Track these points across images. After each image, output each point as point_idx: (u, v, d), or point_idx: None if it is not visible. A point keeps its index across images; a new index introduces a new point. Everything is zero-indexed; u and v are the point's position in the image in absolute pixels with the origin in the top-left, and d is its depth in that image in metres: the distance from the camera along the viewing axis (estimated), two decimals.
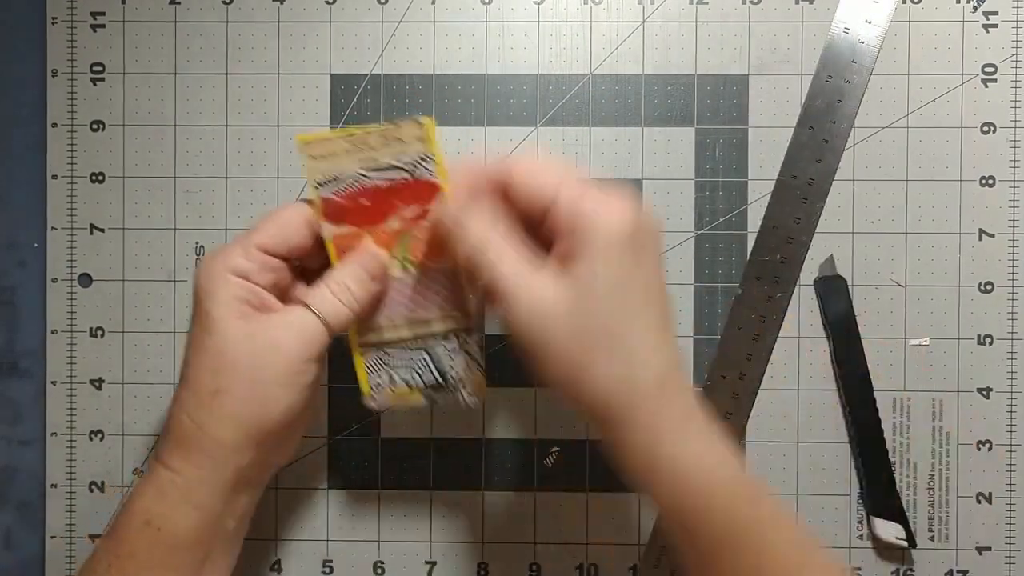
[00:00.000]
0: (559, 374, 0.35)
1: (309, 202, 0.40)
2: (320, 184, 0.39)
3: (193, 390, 0.37)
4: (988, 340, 0.49)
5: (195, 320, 0.38)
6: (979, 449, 0.49)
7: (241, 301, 0.37)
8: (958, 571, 0.49)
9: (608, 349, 0.34)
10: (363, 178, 0.39)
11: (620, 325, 0.34)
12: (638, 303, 0.34)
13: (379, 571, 0.50)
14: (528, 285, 0.35)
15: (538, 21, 0.49)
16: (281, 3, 0.49)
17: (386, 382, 0.42)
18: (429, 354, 0.41)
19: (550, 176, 0.36)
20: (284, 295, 0.40)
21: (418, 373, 0.41)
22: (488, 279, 0.35)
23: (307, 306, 0.38)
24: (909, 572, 0.49)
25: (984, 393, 0.49)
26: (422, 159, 0.39)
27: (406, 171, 0.39)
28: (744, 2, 0.49)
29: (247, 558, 0.49)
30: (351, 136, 0.39)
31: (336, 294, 0.38)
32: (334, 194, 0.40)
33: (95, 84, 0.50)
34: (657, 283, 0.35)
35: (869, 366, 0.48)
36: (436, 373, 0.41)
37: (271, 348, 0.37)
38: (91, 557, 0.39)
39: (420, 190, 0.40)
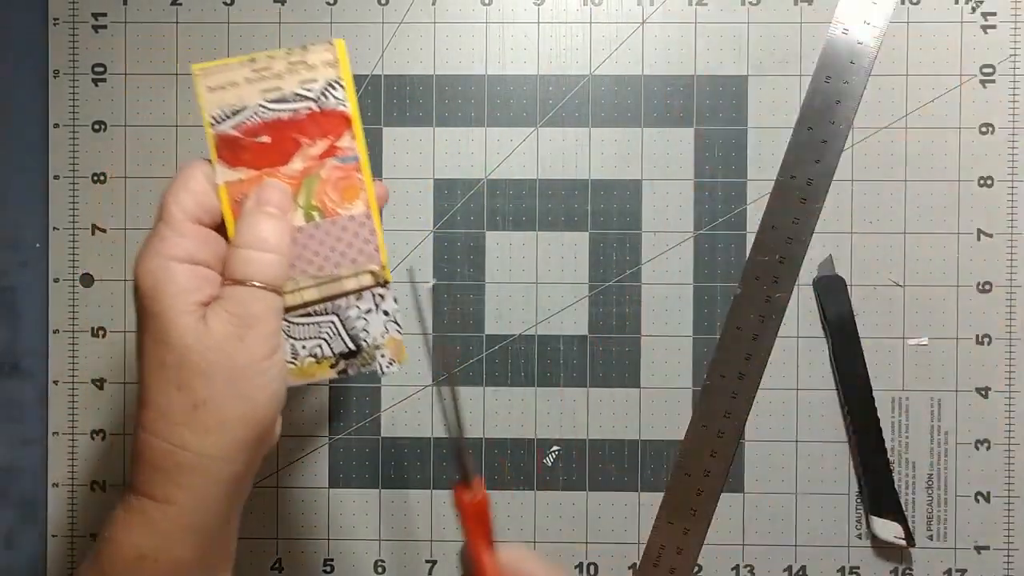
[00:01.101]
0: None
1: (205, 160, 0.36)
2: (216, 121, 0.35)
3: (161, 411, 0.33)
4: (987, 340, 0.49)
5: (144, 330, 0.33)
6: (978, 448, 0.49)
7: (190, 293, 0.33)
8: (956, 570, 0.49)
9: None
10: (264, 110, 0.35)
11: None
12: None
13: (379, 571, 0.50)
14: None
15: (538, 22, 0.49)
16: (282, 4, 0.50)
17: (288, 356, 0.36)
18: (339, 317, 0.36)
19: None
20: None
21: (326, 342, 0.36)
22: None
23: (241, 282, 0.34)
24: (908, 571, 0.49)
25: (983, 393, 0.49)
26: (331, 85, 0.35)
27: (313, 100, 0.35)
28: (743, 3, 0.49)
29: (247, 557, 0.49)
30: (253, 62, 0.35)
31: (258, 247, 0.34)
32: (232, 128, 0.35)
33: (97, 85, 0.50)
34: None
35: (868, 366, 0.48)
36: (347, 339, 0.36)
37: (234, 343, 0.33)
38: None
39: (328, 122, 0.35)
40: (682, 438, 0.49)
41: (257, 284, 0.34)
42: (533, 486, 0.50)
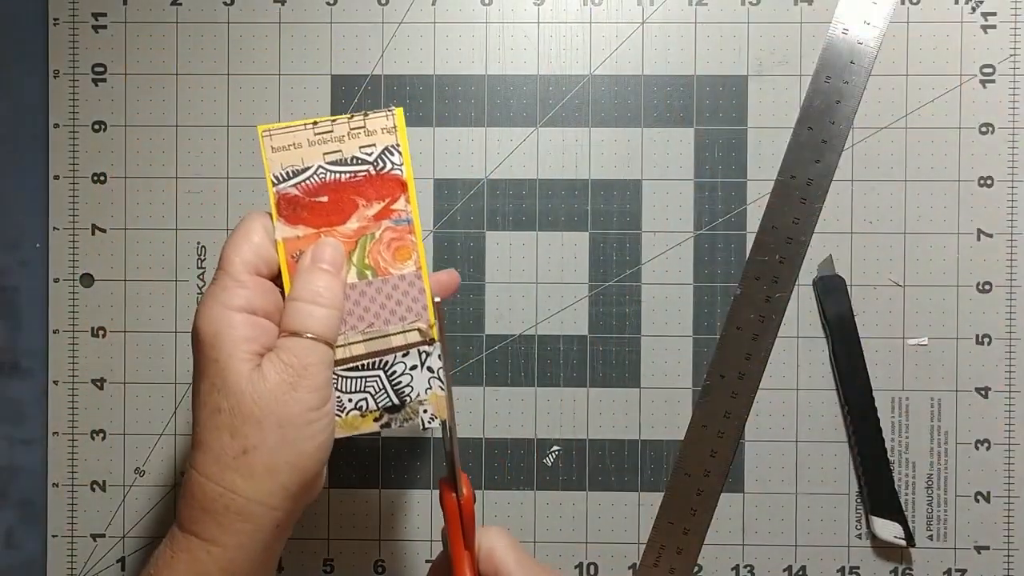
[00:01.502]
0: None
1: (265, 212, 0.37)
2: (278, 180, 0.37)
3: (214, 454, 0.34)
4: (986, 340, 0.49)
5: (202, 375, 0.35)
6: (977, 448, 0.49)
7: (248, 342, 0.34)
8: (956, 570, 0.49)
9: None
10: (325, 172, 0.37)
11: None
12: None
13: (379, 570, 0.50)
14: None
15: (538, 22, 0.49)
16: (282, 4, 0.50)
17: (334, 409, 0.37)
18: (385, 372, 0.37)
19: None
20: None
21: (371, 396, 0.37)
22: None
23: (296, 334, 0.35)
24: (908, 571, 0.49)
25: (982, 392, 0.49)
26: (388, 150, 0.37)
27: (371, 163, 0.37)
28: (743, 3, 0.49)
29: None
30: (316, 125, 0.36)
31: (313, 300, 0.36)
32: (293, 187, 0.36)
33: (97, 85, 0.50)
34: None
35: (868, 366, 0.48)
36: (392, 394, 0.37)
37: (287, 391, 0.34)
38: None
39: (384, 185, 0.37)
40: (682, 438, 0.49)
41: (311, 336, 0.35)
42: (533, 486, 0.50)
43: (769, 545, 0.49)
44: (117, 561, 0.50)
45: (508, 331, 0.49)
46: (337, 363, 0.37)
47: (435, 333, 0.37)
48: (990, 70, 0.49)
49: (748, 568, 0.49)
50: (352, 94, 0.49)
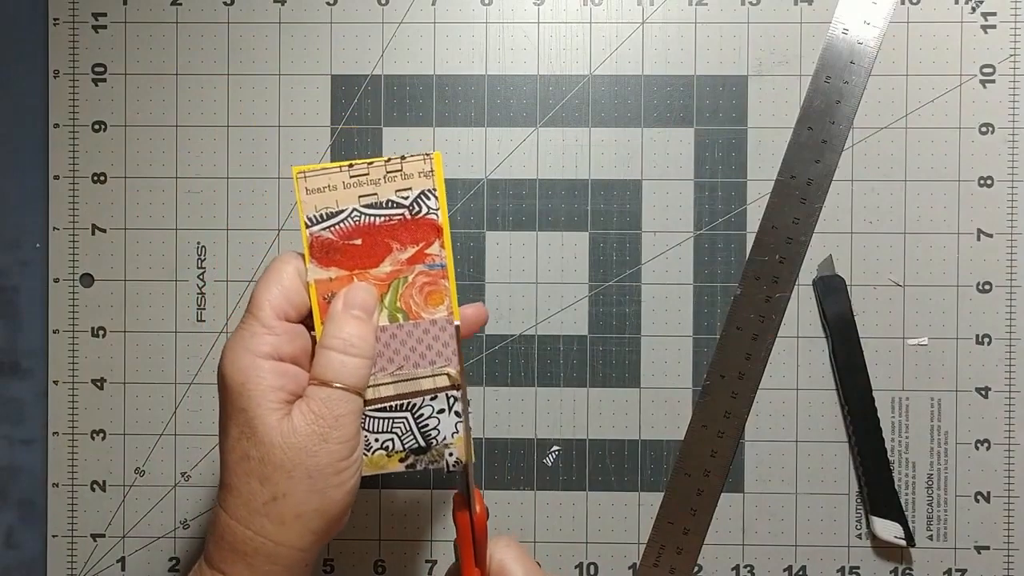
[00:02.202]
0: None
1: (297, 253, 0.37)
2: (312, 222, 0.36)
3: (243, 499, 0.34)
4: (986, 340, 0.49)
5: (229, 419, 0.35)
6: (977, 448, 0.49)
7: (277, 391, 0.34)
8: (956, 570, 0.49)
9: None
10: (359, 215, 0.36)
11: None
12: None
13: (379, 570, 0.50)
14: None
15: (538, 22, 0.49)
16: (282, 4, 0.50)
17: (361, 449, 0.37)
18: (412, 414, 0.37)
19: None
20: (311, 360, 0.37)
21: (398, 437, 0.37)
22: None
23: (327, 384, 0.35)
24: (908, 571, 0.49)
25: (982, 392, 0.49)
26: (424, 194, 0.36)
27: (406, 207, 0.36)
28: (743, 3, 0.49)
29: None
30: (352, 168, 0.36)
31: (344, 350, 0.35)
32: (327, 230, 0.36)
33: (97, 85, 0.50)
34: None
35: (868, 366, 0.48)
36: (419, 436, 0.37)
37: (318, 443, 0.34)
38: None
39: (419, 229, 0.36)
40: (682, 438, 0.49)
41: (341, 386, 0.35)
42: (533, 486, 0.50)
43: (769, 545, 0.49)
44: (117, 561, 0.50)
45: (508, 331, 0.49)
46: (366, 403, 0.36)
47: (462, 377, 0.37)
48: (990, 70, 0.49)
49: (748, 568, 0.49)
50: (352, 94, 0.49)
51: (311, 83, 0.50)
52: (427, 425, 0.37)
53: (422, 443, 0.37)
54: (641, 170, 0.49)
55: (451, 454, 0.37)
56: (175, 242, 0.50)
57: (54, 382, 0.50)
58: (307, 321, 0.37)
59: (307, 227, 0.36)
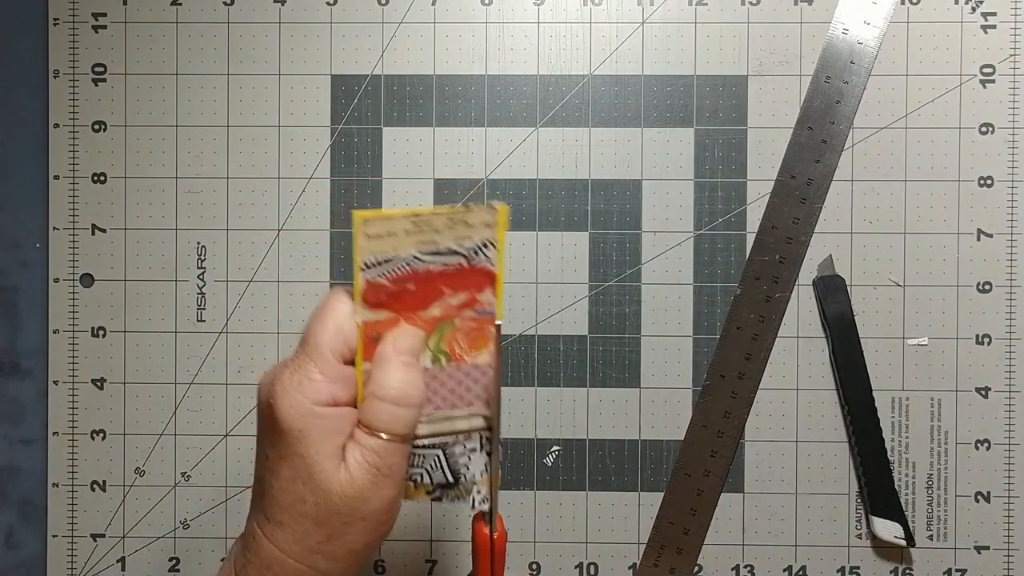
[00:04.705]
0: None
1: (348, 291, 0.36)
2: (367, 266, 0.35)
3: (296, 537, 0.35)
4: (986, 340, 0.49)
5: (283, 460, 0.35)
6: (977, 448, 0.49)
7: (334, 437, 0.34)
8: (956, 570, 0.49)
9: None
10: (416, 261, 0.35)
11: None
12: None
13: (379, 571, 0.50)
14: None
15: (538, 22, 0.49)
16: (282, 4, 0.50)
17: None
18: (444, 451, 0.37)
19: None
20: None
21: (427, 471, 0.37)
22: None
23: (377, 434, 0.35)
24: (908, 571, 0.49)
25: (982, 392, 0.49)
26: (484, 245, 0.36)
27: (464, 256, 0.36)
28: (743, 3, 0.49)
29: None
30: (416, 216, 0.35)
31: (396, 401, 0.35)
32: (381, 277, 0.35)
33: (97, 85, 0.50)
34: None
35: (868, 366, 0.48)
36: (448, 472, 0.37)
37: (372, 491, 0.35)
38: None
39: (474, 277, 0.36)
40: (682, 438, 0.49)
41: (392, 437, 0.35)
42: (533, 486, 0.50)
43: (769, 545, 0.49)
44: (117, 561, 0.50)
45: (508, 331, 0.49)
46: None
47: (497, 419, 0.37)
48: (990, 70, 0.49)
49: (748, 568, 0.49)
50: (352, 94, 0.49)
51: (311, 83, 0.50)
52: (458, 463, 0.37)
53: (451, 479, 0.37)
54: (641, 170, 0.49)
55: (479, 491, 0.38)
56: (175, 242, 0.50)
57: (54, 382, 0.50)
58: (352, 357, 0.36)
59: (362, 271, 0.35)
